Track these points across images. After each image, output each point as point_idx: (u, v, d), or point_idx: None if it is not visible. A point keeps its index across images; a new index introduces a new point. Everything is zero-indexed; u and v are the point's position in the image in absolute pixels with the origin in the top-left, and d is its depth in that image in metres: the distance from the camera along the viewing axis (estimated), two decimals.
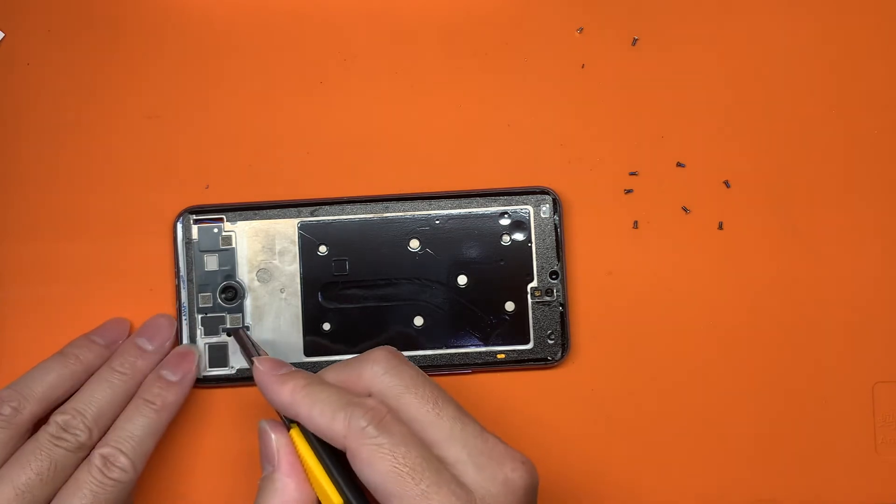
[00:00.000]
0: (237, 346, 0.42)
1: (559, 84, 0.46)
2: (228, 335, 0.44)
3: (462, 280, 0.45)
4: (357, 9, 0.46)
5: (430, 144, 0.46)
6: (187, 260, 0.44)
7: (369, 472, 0.35)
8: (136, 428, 0.40)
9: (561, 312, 0.44)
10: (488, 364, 0.44)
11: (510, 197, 0.45)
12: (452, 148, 0.46)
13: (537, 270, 0.45)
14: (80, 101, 0.46)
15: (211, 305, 0.44)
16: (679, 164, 0.46)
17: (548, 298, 0.45)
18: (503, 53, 0.46)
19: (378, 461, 0.34)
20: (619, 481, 0.45)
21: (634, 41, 0.46)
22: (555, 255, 0.45)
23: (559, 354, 0.45)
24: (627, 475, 0.45)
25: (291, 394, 0.37)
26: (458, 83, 0.46)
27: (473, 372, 0.45)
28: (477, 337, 0.44)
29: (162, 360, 0.43)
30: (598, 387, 0.45)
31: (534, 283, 0.45)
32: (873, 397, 0.45)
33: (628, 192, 0.46)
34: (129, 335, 0.44)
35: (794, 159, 0.46)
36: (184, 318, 0.44)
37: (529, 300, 0.45)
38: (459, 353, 0.44)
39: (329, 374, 0.38)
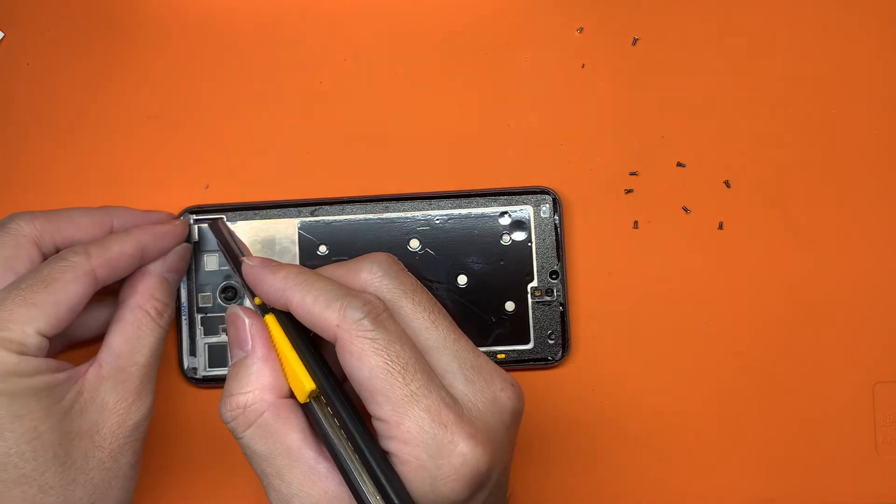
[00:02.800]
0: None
1: (559, 84, 0.46)
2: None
3: (462, 280, 0.45)
4: (357, 9, 0.46)
5: (430, 144, 0.46)
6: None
7: (357, 366, 0.33)
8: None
9: (561, 312, 0.44)
10: None
11: (510, 197, 0.45)
12: (452, 148, 0.46)
13: (537, 270, 0.45)
14: (80, 101, 0.46)
15: (211, 305, 0.44)
16: (679, 164, 0.46)
17: (548, 298, 0.45)
18: (503, 53, 0.46)
19: (369, 356, 0.33)
20: (619, 481, 0.45)
21: (634, 41, 0.46)
22: (555, 255, 0.45)
23: (559, 354, 0.45)
24: (627, 475, 0.45)
25: (284, 280, 0.36)
26: (459, 83, 0.46)
27: None
28: (477, 337, 0.44)
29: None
30: (598, 387, 0.45)
31: (534, 283, 0.45)
32: (873, 397, 0.45)
33: (628, 192, 0.46)
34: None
35: (794, 159, 0.46)
36: (183, 317, 0.44)
37: (529, 300, 0.45)
38: None
39: (326, 269, 0.37)
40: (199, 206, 0.45)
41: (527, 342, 0.45)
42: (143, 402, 0.39)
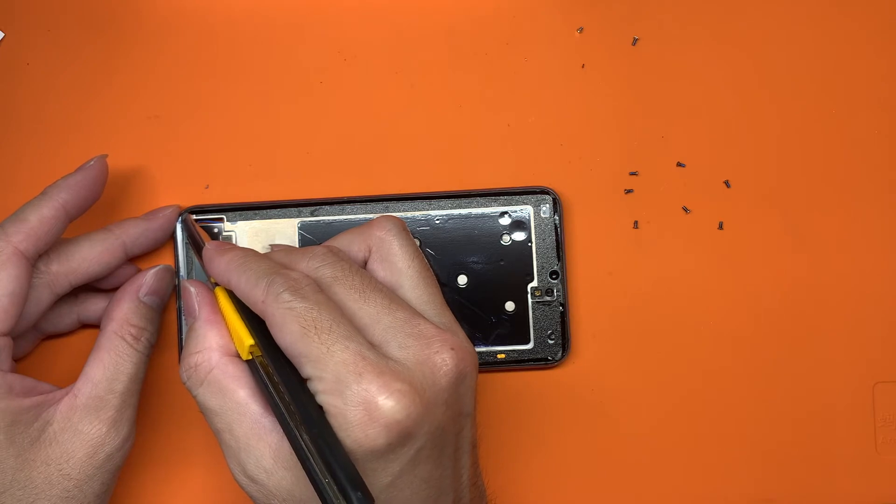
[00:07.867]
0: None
1: (559, 84, 0.46)
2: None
3: (462, 280, 0.45)
4: (357, 9, 0.46)
5: (430, 144, 0.46)
6: (187, 260, 0.44)
7: (281, 335, 0.35)
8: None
9: (561, 312, 0.44)
10: (488, 364, 0.44)
11: (510, 197, 0.45)
12: (452, 148, 0.46)
13: (537, 270, 0.45)
14: (80, 101, 0.46)
15: None
16: (679, 164, 0.46)
17: (548, 298, 0.45)
18: (503, 53, 0.46)
19: (288, 323, 0.35)
20: (619, 481, 0.45)
21: (634, 41, 0.46)
22: (555, 255, 0.45)
23: (559, 354, 0.45)
24: (627, 475, 0.45)
25: (227, 263, 0.38)
26: (458, 83, 0.46)
27: None
28: (477, 337, 0.44)
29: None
30: (598, 387, 0.45)
31: (534, 283, 0.45)
32: (873, 397, 0.45)
33: (628, 192, 0.46)
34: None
35: (794, 159, 0.46)
36: (184, 317, 0.44)
37: (529, 300, 0.45)
38: None
39: (276, 254, 0.39)
40: (199, 206, 0.45)
41: (527, 342, 0.45)
42: (119, 432, 0.39)
